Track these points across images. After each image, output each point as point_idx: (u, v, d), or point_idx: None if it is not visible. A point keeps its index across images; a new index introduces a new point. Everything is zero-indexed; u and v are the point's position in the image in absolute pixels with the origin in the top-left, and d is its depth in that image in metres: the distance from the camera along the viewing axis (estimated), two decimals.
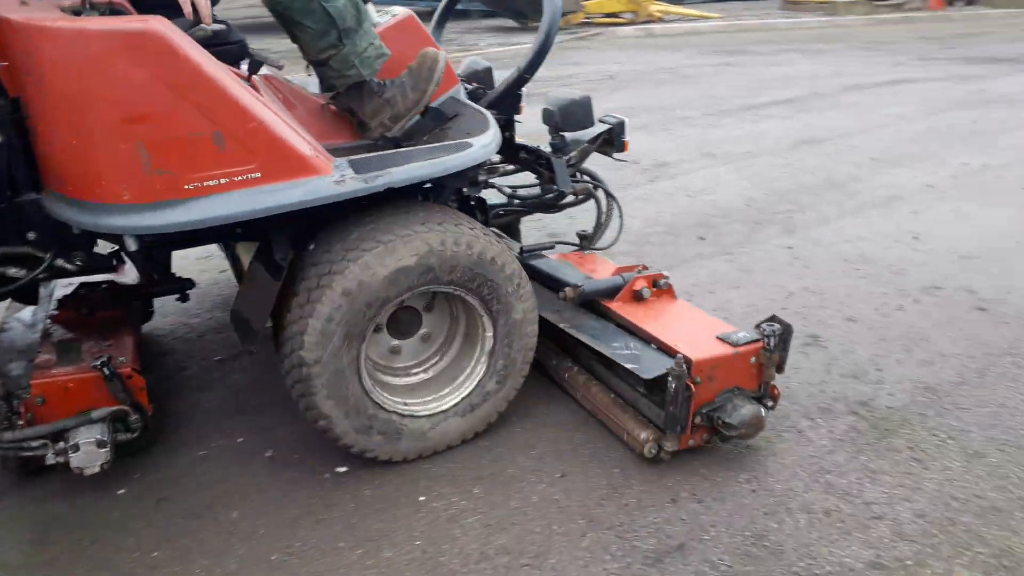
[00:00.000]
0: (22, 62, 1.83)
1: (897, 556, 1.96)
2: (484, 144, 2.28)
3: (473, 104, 2.65)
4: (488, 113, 2.51)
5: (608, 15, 13.40)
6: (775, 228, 4.27)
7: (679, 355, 2.23)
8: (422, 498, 2.20)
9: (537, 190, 3.03)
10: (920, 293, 3.43)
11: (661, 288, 2.63)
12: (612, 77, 9.04)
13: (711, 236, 4.16)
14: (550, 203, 3.05)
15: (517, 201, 3.08)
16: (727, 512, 2.13)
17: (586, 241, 3.10)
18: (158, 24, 1.83)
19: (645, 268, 2.70)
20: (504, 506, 2.16)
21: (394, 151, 2.21)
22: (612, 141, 2.93)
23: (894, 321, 3.17)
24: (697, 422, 2.28)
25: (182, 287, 2.71)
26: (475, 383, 2.40)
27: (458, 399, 2.39)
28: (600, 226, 3.10)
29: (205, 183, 1.89)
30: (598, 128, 2.92)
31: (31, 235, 2.03)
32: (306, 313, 2.08)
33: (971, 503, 2.14)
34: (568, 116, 2.84)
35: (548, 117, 2.88)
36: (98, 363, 2.15)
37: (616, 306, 2.58)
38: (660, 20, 13.75)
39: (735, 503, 2.16)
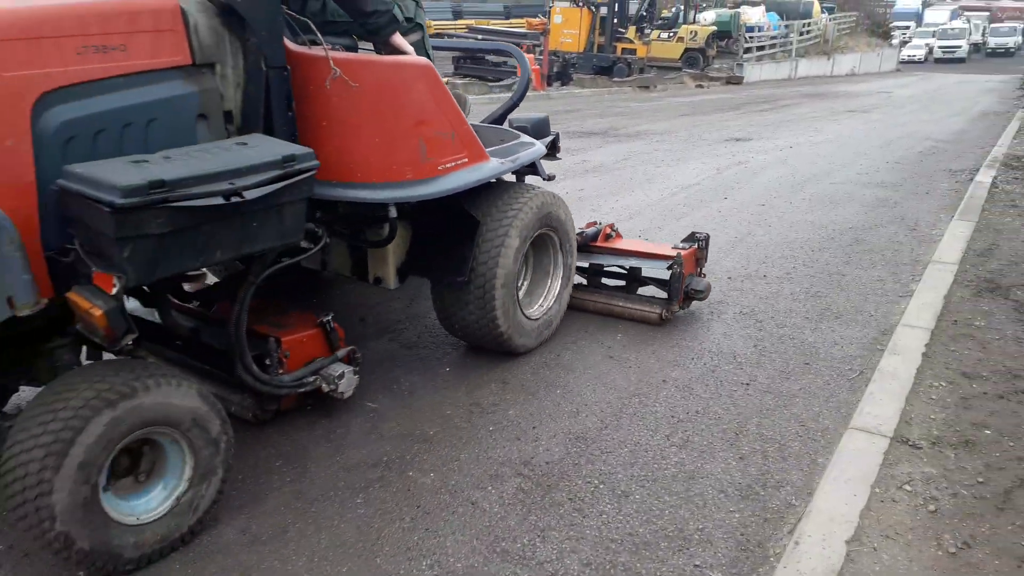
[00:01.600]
0: (332, 86, 2.60)
1: None
2: (539, 143, 3.72)
3: (479, 124, 3.81)
4: (505, 128, 3.91)
5: None
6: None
7: (678, 253, 3.90)
8: None
9: None
10: (561, 348, 3.75)
11: (617, 232, 4.33)
12: None
13: (372, 316, 4.18)
14: None
15: None
16: None
17: None
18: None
19: (598, 223, 4.35)
20: None
21: (503, 145, 3.47)
22: (555, 146, 4.13)
23: (542, 378, 3.42)
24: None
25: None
26: (556, 291, 3.79)
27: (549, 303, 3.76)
28: None
29: (445, 166, 2.95)
30: (548, 138, 4.03)
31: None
32: (498, 243, 3.22)
33: (626, 542, 2.35)
34: (538, 130, 3.99)
35: (521, 131, 3.86)
36: (324, 320, 2.85)
37: (600, 244, 4.21)
38: None
39: None
